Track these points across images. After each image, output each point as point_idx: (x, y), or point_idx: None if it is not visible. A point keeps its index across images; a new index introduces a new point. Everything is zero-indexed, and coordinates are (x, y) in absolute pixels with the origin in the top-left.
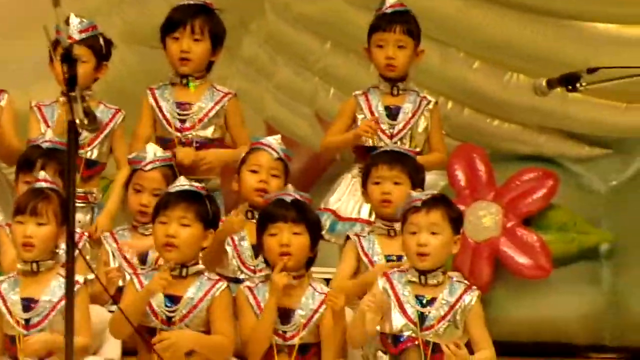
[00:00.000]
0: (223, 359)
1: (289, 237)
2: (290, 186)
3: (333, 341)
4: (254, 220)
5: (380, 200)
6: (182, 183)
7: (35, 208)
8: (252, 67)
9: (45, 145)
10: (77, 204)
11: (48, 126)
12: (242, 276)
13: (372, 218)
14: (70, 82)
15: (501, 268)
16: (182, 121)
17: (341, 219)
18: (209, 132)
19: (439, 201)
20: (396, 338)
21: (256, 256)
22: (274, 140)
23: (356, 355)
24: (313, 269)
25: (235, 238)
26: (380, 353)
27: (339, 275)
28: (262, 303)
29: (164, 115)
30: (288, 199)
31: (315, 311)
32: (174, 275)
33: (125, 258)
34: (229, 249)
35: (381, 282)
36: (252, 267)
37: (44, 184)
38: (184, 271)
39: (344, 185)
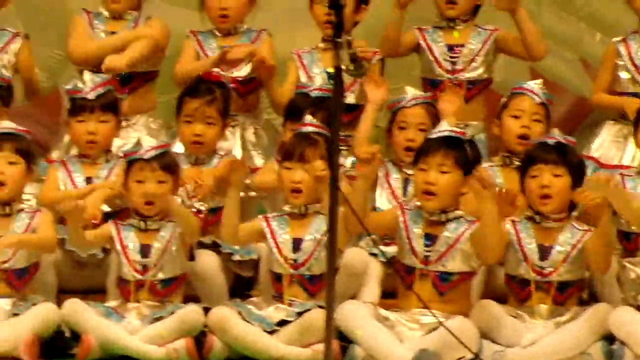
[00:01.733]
0: None
1: (549, 179)
2: (555, 130)
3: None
4: (512, 166)
5: None
6: (443, 128)
7: (302, 154)
8: None
9: (313, 93)
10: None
11: (307, 74)
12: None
13: (635, 163)
14: (337, 28)
15: None
16: (453, 63)
17: (603, 166)
18: (476, 73)
19: None
20: None
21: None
22: (536, 84)
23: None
24: None
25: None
26: None
27: None
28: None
29: (435, 58)
30: (551, 142)
31: (574, 246)
32: (433, 220)
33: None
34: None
35: None
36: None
37: (310, 129)
38: (443, 217)
39: (606, 132)
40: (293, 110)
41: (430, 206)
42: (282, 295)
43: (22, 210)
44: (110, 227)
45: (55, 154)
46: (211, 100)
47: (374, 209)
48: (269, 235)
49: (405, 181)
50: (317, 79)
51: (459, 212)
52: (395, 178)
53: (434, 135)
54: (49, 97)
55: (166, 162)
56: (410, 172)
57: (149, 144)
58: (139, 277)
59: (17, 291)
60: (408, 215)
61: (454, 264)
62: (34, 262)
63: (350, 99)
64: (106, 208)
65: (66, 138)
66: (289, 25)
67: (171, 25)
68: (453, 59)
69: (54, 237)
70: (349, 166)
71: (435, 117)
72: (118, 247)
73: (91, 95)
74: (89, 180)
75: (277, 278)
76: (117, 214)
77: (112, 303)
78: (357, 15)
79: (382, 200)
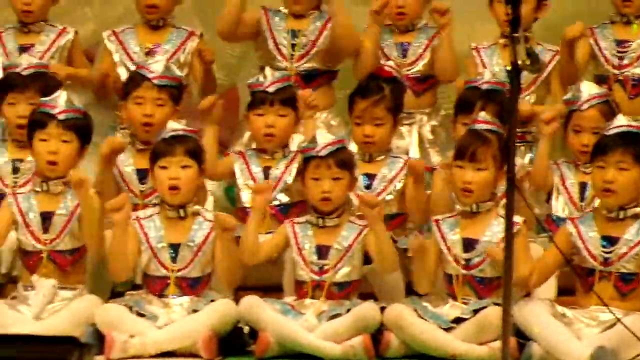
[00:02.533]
0: None
1: None
2: None
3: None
4: None
5: None
6: (619, 124)
7: (474, 154)
8: None
9: (484, 86)
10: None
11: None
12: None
13: None
14: (513, 23)
15: None
16: (621, 58)
17: None
18: None
19: None
20: None
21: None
22: None
23: None
24: None
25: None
26: None
27: None
28: None
29: (602, 54)
30: None
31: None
32: (611, 217)
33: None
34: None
35: None
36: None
37: (483, 126)
38: (622, 214)
39: None
40: (464, 104)
41: (609, 203)
42: (455, 297)
43: (198, 213)
44: (286, 229)
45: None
46: (379, 99)
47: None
48: (438, 236)
49: (582, 185)
50: (486, 73)
51: (638, 210)
52: (572, 183)
53: (610, 132)
54: (227, 94)
55: (342, 159)
56: (588, 170)
57: (324, 141)
58: (316, 277)
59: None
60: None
61: (635, 265)
62: (208, 272)
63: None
64: (283, 198)
65: (246, 136)
66: (468, 17)
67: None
68: (620, 54)
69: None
70: (527, 163)
71: (610, 115)
72: (294, 248)
73: (271, 89)
74: (266, 170)
75: (449, 279)
76: (290, 208)
77: (289, 300)
78: (538, 12)
79: (559, 205)
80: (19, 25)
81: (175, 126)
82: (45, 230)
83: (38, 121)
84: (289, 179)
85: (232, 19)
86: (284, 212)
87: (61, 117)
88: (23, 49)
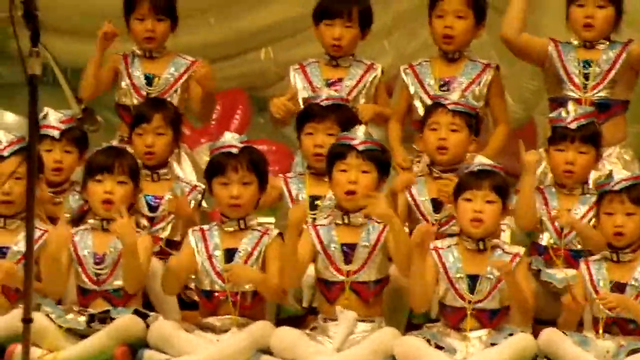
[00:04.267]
0: None
1: None
2: None
3: None
4: None
5: None
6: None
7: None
8: None
9: None
10: None
11: None
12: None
13: None
14: None
15: None
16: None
17: None
18: None
19: None
20: None
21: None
22: None
23: None
24: None
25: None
26: None
27: None
28: None
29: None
30: None
31: None
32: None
33: None
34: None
35: None
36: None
37: None
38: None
39: None
40: None
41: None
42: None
43: (497, 246)
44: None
45: None
46: None
47: None
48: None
49: None
50: None
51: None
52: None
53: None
54: (524, 128)
55: (637, 195)
56: None
57: (620, 176)
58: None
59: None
60: None
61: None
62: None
63: None
64: None
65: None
66: None
67: None
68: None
69: None
70: None
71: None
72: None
73: (573, 125)
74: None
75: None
76: None
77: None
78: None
79: None
80: (327, 59)
81: (484, 160)
82: (348, 261)
83: (338, 153)
84: None
85: None
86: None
87: (360, 148)
88: (330, 83)
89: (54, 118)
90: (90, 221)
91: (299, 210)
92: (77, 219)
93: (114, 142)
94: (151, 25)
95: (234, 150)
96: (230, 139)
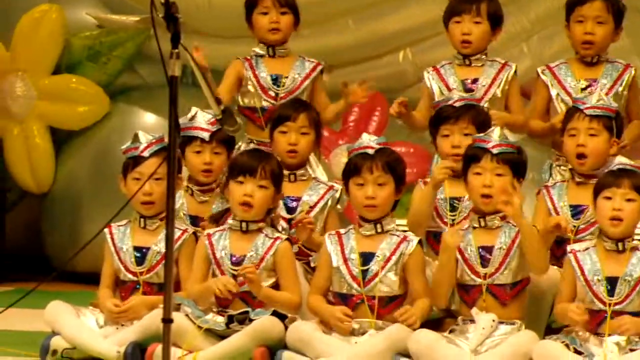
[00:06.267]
0: None
1: None
2: None
3: None
4: None
5: None
6: None
7: None
8: None
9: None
10: None
11: None
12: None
13: None
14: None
15: None
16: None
17: None
18: None
19: None
20: None
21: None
22: None
23: None
24: None
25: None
26: None
27: None
28: None
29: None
30: None
31: None
32: None
33: None
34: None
35: None
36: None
37: None
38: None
39: None
40: None
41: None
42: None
43: (637, 248)
44: None
45: None
46: None
47: None
48: None
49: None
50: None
51: None
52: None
53: None
54: None
55: None
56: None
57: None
58: None
59: None
60: None
61: None
62: None
63: None
64: None
65: None
66: None
67: None
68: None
69: None
70: None
71: None
72: None
73: None
74: None
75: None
76: None
77: None
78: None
79: None
80: (460, 59)
81: (624, 160)
82: (484, 264)
83: (472, 155)
84: None
85: None
86: None
87: (495, 151)
88: (466, 84)
89: (202, 119)
90: (230, 222)
91: (457, 236)
92: (217, 219)
93: (243, 145)
94: (276, 16)
95: (370, 151)
96: (367, 140)
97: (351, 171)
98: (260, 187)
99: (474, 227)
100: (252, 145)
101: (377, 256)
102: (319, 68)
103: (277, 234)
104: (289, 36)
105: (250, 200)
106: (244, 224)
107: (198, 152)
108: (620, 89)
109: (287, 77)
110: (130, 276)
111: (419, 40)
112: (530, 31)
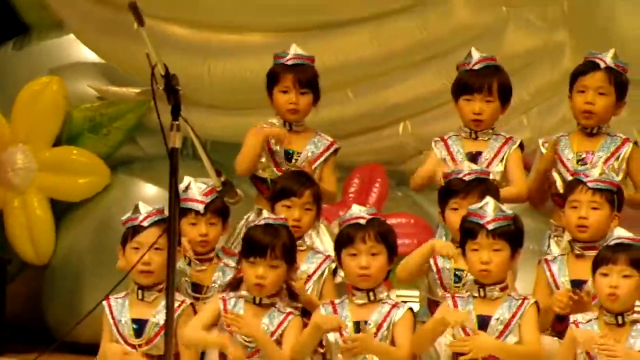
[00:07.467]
0: None
1: None
2: None
3: None
4: None
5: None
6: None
7: None
8: None
9: None
10: None
11: None
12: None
13: None
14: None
15: None
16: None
17: None
18: None
19: None
20: None
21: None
22: None
23: None
24: None
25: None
26: None
27: None
28: None
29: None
30: None
31: None
32: None
33: None
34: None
35: None
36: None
37: None
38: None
39: None
40: None
41: None
42: None
43: (637, 321)
44: None
45: None
46: None
47: None
48: None
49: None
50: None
51: None
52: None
53: None
54: None
55: None
56: None
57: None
58: None
59: None
60: None
61: None
62: None
63: None
64: None
65: None
66: None
67: None
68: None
69: None
70: None
71: None
72: None
73: None
74: None
75: None
76: None
77: None
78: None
79: None
80: (467, 132)
81: (623, 233)
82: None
83: (469, 231)
84: None
85: None
86: None
87: (490, 227)
88: (471, 156)
89: (196, 190)
90: (244, 293)
91: (460, 320)
92: (234, 285)
93: (252, 216)
94: (295, 97)
95: (362, 222)
96: (358, 210)
97: (344, 242)
98: (272, 268)
99: (474, 297)
100: (262, 216)
101: (370, 324)
102: (334, 147)
103: (288, 309)
104: (307, 114)
105: (263, 282)
106: (257, 298)
107: (193, 224)
108: (616, 163)
109: (300, 153)
110: (129, 349)
111: (419, 112)
112: (530, 103)
